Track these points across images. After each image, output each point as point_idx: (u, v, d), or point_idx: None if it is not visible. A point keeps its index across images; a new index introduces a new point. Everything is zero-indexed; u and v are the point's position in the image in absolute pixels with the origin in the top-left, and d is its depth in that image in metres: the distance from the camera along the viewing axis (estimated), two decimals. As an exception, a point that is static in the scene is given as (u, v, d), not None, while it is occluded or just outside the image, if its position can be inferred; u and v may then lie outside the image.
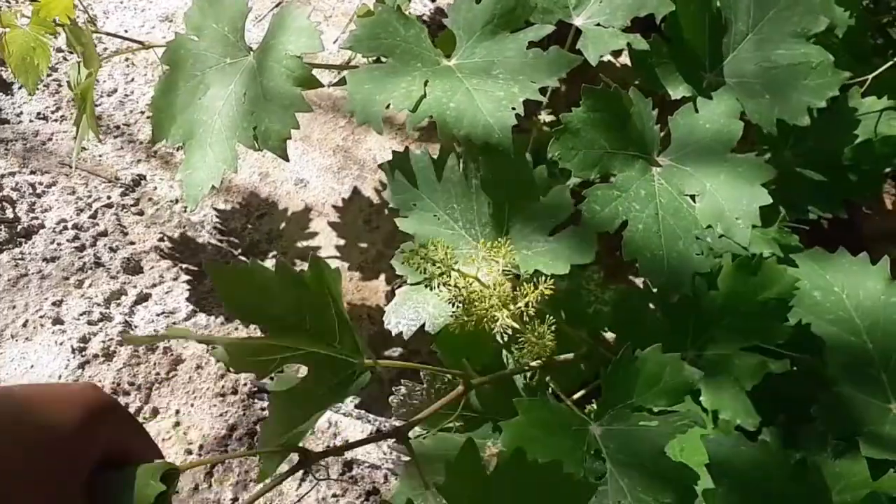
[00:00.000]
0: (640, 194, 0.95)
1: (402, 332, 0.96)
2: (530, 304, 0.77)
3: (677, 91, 1.08)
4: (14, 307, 1.19)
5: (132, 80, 1.61)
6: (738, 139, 0.99)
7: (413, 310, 0.96)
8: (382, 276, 1.37)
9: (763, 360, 0.84)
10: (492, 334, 0.76)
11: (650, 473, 0.74)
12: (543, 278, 0.78)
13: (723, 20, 1.12)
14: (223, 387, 1.15)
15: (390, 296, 1.35)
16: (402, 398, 0.98)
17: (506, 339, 0.78)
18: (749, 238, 0.92)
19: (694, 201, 0.97)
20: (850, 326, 0.89)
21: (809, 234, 1.18)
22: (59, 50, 1.60)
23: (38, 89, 1.52)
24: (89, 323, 1.18)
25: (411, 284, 0.97)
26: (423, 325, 0.95)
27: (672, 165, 0.99)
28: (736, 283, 0.88)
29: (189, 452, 1.09)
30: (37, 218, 1.31)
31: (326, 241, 1.40)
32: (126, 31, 1.70)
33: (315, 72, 1.03)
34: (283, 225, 1.40)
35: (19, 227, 1.28)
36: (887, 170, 1.27)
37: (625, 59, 1.66)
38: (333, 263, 1.37)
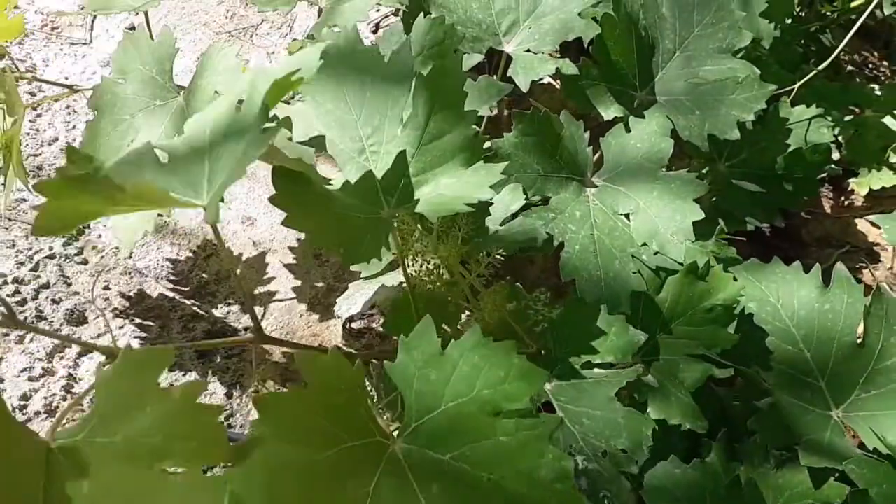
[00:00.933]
0: (575, 215, 0.96)
1: (352, 316, 1.04)
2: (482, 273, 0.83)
3: (609, 112, 1.10)
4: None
5: (73, 127, 1.59)
6: (668, 156, 1.00)
7: (364, 295, 1.04)
8: (332, 311, 1.35)
9: (708, 366, 0.85)
10: (437, 313, 0.83)
11: (601, 420, 0.76)
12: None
13: (650, 40, 1.14)
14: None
15: (343, 330, 1.34)
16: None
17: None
18: (684, 254, 0.93)
19: (629, 220, 0.98)
20: (787, 336, 0.90)
21: (752, 242, 1.20)
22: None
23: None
24: (30, 379, 1.15)
25: (365, 278, 1.00)
26: (373, 306, 1.04)
27: (606, 185, 1.00)
28: (683, 289, 0.90)
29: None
30: (-26, 274, 1.27)
31: (278, 281, 1.39)
32: (67, 78, 1.68)
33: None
34: (230, 266, 1.38)
35: (-44, 284, 1.25)
36: (823, 175, 1.30)
37: (566, 80, 1.68)
38: (286, 303, 1.37)
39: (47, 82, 1.60)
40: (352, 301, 1.02)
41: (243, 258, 1.43)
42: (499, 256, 0.85)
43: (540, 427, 0.58)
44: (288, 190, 0.65)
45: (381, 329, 1.34)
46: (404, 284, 0.98)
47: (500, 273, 0.93)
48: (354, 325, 1.35)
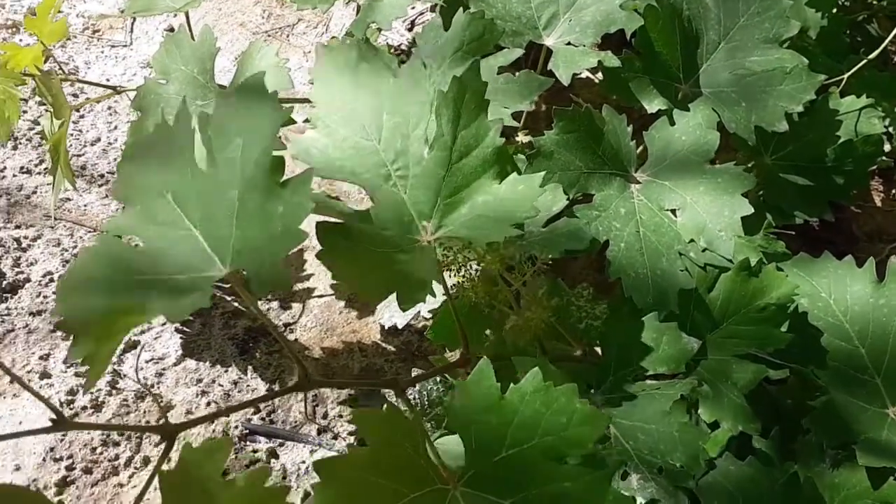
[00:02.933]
0: (619, 212, 0.94)
1: (395, 324, 1.04)
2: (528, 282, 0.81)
3: (652, 105, 1.07)
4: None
5: (115, 128, 1.62)
6: (715, 150, 0.98)
7: None
8: (371, 308, 1.36)
9: (761, 367, 0.83)
10: (480, 318, 0.83)
11: (655, 435, 0.74)
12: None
13: (693, 31, 1.12)
14: (213, 430, 1.13)
15: (381, 328, 1.34)
16: (414, 394, 0.98)
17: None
18: (733, 249, 0.91)
19: (675, 216, 0.96)
20: (841, 332, 0.87)
21: (800, 237, 1.17)
22: (42, 104, 1.61)
23: (20, 143, 1.53)
24: (77, 375, 1.17)
25: None
26: (418, 313, 1.02)
27: (651, 181, 0.98)
28: (735, 287, 0.87)
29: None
30: (22, 272, 1.30)
31: (316, 278, 1.39)
32: (108, 80, 1.71)
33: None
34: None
35: (4, 282, 1.28)
36: (873, 167, 1.26)
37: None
38: (325, 299, 1.37)
39: (91, 83, 1.63)
40: (393, 310, 1.01)
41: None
42: (545, 265, 0.83)
43: (602, 470, 0.57)
44: (333, 245, 0.63)
45: (419, 326, 1.34)
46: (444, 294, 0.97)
47: (540, 269, 0.91)
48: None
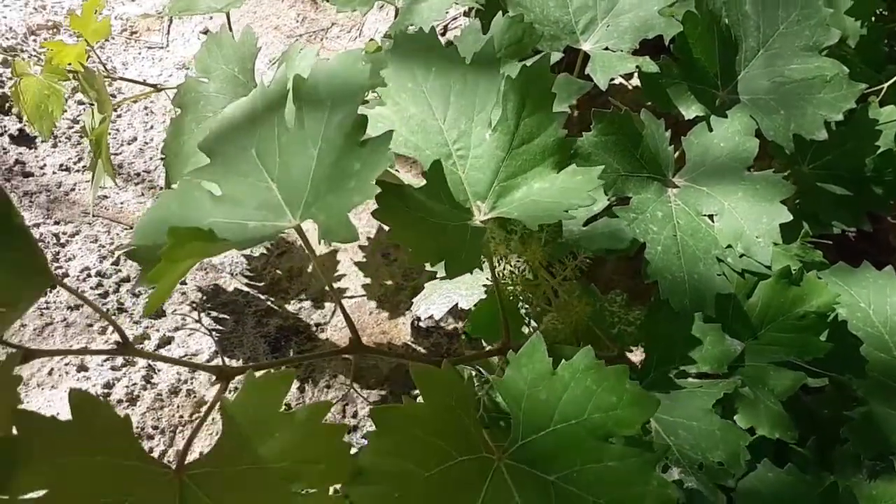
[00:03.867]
0: (657, 216, 0.94)
1: (432, 315, 1.05)
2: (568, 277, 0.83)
3: (690, 111, 1.07)
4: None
5: (151, 127, 1.64)
6: (754, 157, 0.97)
7: (444, 296, 1.04)
8: (402, 309, 1.36)
9: (800, 374, 0.82)
10: (518, 313, 0.84)
11: (697, 432, 0.74)
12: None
13: (732, 38, 1.11)
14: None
15: (411, 328, 1.34)
16: None
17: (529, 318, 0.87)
18: (771, 256, 0.90)
19: (712, 221, 0.96)
20: (880, 343, 0.86)
21: (835, 247, 1.16)
22: (80, 102, 1.64)
23: (59, 141, 1.56)
24: (113, 368, 1.19)
25: (441, 278, 1.00)
26: (455, 305, 1.02)
27: (688, 186, 0.98)
28: (775, 294, 0.87)
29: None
30: (61, 267, 1.33)
31: (348, 278, 1.40)
32: (144, 81, 1.74)
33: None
34: (303, 262, 1.40)
35: (44, 276, 1.30)
36: (912, 179, 1.24)
37: (637, 81, 1.66)
38: (356, 300, 1.38)
39: (131, 81, 1.66)
40: (430, 301, 1.03)
41: (318, 254, 1.45)
42: (587, 259, 0.84)
43: (648, 454, 0.57)
44: (391, 205, 0.65)
45: (448, 328, 1.34)
46: (484, 286, 0.98)
47: (582, 263, 0.92)
48: (423, 324, 1.35)
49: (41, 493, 0.49)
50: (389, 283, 1.41)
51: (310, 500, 0.52)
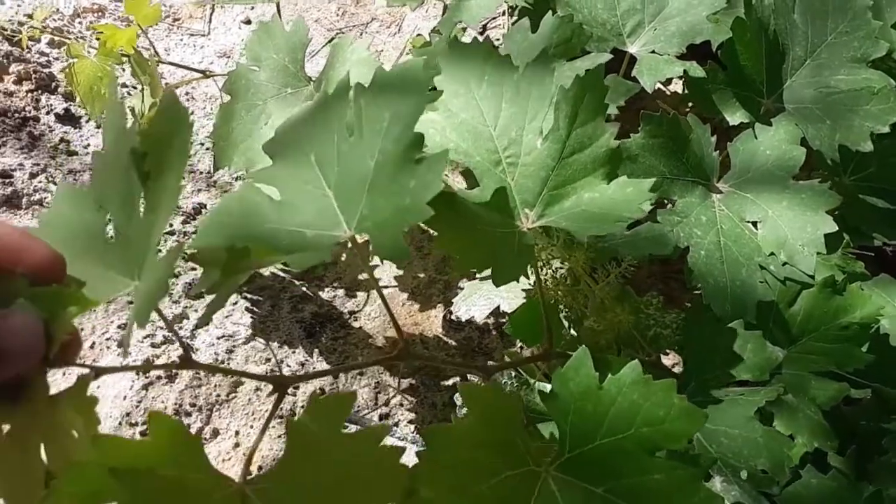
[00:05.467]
0: (701, 220, 0.95)
1: (473, 317, 1.05)
2: (611, 282, 0.83)
3: (734, 117, 1.08)
4: (82, 330, 1.23)
5: (192, 113, 1.67)
6: (800, 165, 0.98)
7: (484, 297, 1.04)
8: (434, 302, 1.38)
9: (843, 385, 0.82)
10: (558, 317, 0.80)
11: (739, 440, 0.74)
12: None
13: (780, 46, 1.11)
14: (281, 409, 1.16)
15: (443, 321, 1.36)
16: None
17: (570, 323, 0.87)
18: (815, 266, 0.91)
19: (755, 228, 0.96)
20: (924, 355, 0.86)
21: (874, 259, 1.15)
22: (123, 85, 1.67)
23: (103, 122, 1.59)
24: (153, 346, 1.21)
25: (481, 278, 1.00)
26: (496, 308, 1.03)
27: (732, 192, 0.99)
28: (818, 303, 0.87)
29: (248, 474, 1.10)
30: (103, 245, 1.35)
31: (381, 269, 1.42)
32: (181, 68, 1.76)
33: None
34: (337, 251, 1.42)
35: (87, 253, 1.33)
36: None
37: (675, 86, 1.66)
38: (389, 291, 1.40)
39: (172, 64, 1.69)
40: (470, 303, 1.03)
41: (348, 245, 1.46)
42: (631, 267, 0.84)
43: (694, 467, 0.58)
44: (441, 212, 0.65)
45: (480, 323, 1.36)
46: (524, 290, 0.99)
47: (627, 270, 0.93)
48: (454, 318, 1.37)
49: None
50: (422, 275, 1.43)
51: None
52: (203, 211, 1.46)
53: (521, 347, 1.20)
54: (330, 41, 1.84)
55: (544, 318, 0.78)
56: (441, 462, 0.55)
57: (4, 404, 0.50)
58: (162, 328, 1.25)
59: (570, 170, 0.71)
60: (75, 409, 0.49)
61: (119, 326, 1.24)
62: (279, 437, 1.14)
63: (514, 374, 0.97)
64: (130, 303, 1.28)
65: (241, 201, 0.67)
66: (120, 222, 0.56)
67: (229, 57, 1.81)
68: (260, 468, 1.11)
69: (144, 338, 1.22)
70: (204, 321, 0.58)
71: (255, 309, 1.30)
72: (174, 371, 1.19)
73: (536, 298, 0.90)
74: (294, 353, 1.25)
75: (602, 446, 0.59)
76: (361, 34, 1.87)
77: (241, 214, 0.65)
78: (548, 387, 0.91)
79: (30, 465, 0.49)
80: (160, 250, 1.34)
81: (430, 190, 0.56)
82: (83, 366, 0.52)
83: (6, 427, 0.52)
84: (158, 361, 1.19)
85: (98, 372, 0.54)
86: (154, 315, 1.16)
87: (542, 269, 0.88)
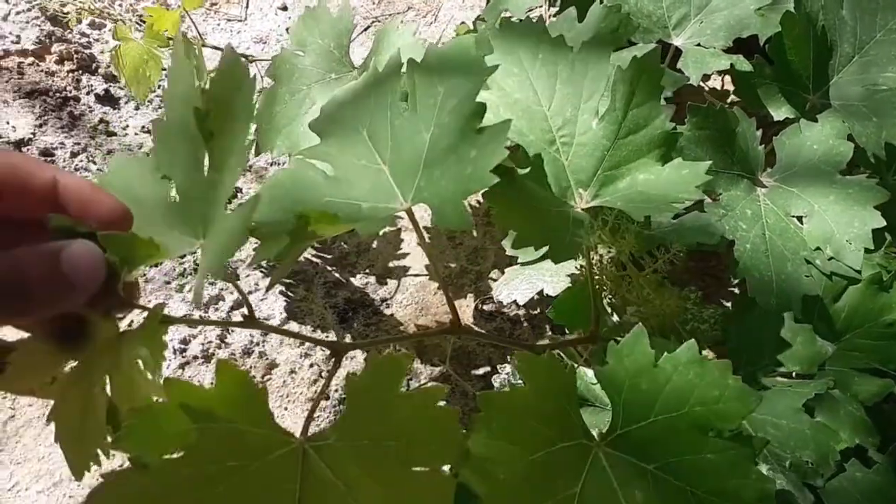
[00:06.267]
0: (746, 214, 0.94)
1: (515, 301, 1.05)
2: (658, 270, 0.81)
3: (780, 112, 1.07)
4: (120, 308, 1.24)
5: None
6: (847, 161, 0.97)
7: (527, 282, 1.04)
8: (465, 291, 1.38)
9: (888, 381, 0.81)
10: (602, 303, 0.81)
11: (786, 430, 0.74)
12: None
13: (828, 42, 1.10)
14: (315, 392, 1.17)
15: (474, 311, 1.36)
16: (504, 378, 0.99)
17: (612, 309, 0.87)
18: (861, 261, 0.90)
19: (801, 223, 0.95)
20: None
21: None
22: (163, 69, 1.69)
23: (142, 105, 1.60)
24: (189, 326, 1.23)
25: (522, 263, 1.01)
26: (540, 291, 1.03)
27: (777, 186, 0.98)
28: (864, 300, 0.87)
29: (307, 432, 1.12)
30: (142, 224, 1.37)
31: (412, 257, 1.42)
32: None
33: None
34: (369, 239, 1.43)
35: (126, 232, 1.35)
36: None
37: (713, 83, 1.65)
38: (420, 280, 1.40)
39: (213, 47, 1.70)
40: (512, 287, 1.04)
41: (380, 233, 1.47)
42: (679, 252, 0.84)
43: (747, 448, 0.58)
44: (501, 189, 0.65)
45: (511, 314, 1.36)
46: (569, 275, 0.99)
47: (675, 256, 0.92)
48: (486, 308, 1.37)
49: (179, 454, 0.51)
50: (454, 265, 1.43)
51: (422, 478, 0.54)
52: (238, 195, 1.48)
53: (554, 337, 1.21)
54: (366, 29, 1.85)
55: (593, 303, 0.78)
56: (495, 428, 0.56)
57: (70, 344, 0.51)
58: (199, 309, 1.26)
59: (626, 151, 0.71)
60: (145, 344, 0.50)
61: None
62: (314, 418, 1.14)
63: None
64: (167, 282, 1.29)
65: (295, 177, 0.68)
66: (183, 185, 0.57)
67: (265, 42, 1.82)
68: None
69: (182, 317, 1.24)
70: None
71: (289, 293, 1.31)
72: (211, 351, 1.20)
73: (582, 282, 0.90)
74: (327, 336, 1.25)
75: (655, 424, 0.59)
76: (402, 23, 1.88)
77: (296, 189, 0.66)
78: (589, 373, 0.91)
79: (92, 403, 0.50)
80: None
81: (494, 157, 0.56)
82: (146, 308, 0.53)
83: (69, 367, 0.53)
84: (195, 342, 1.20)
85: (164, 319, 0.54)
86: (190, 296, 1.16)
87: (588, 253, 0.89)
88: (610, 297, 0.91)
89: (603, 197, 0.71)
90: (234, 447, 0.52)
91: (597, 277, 0.87)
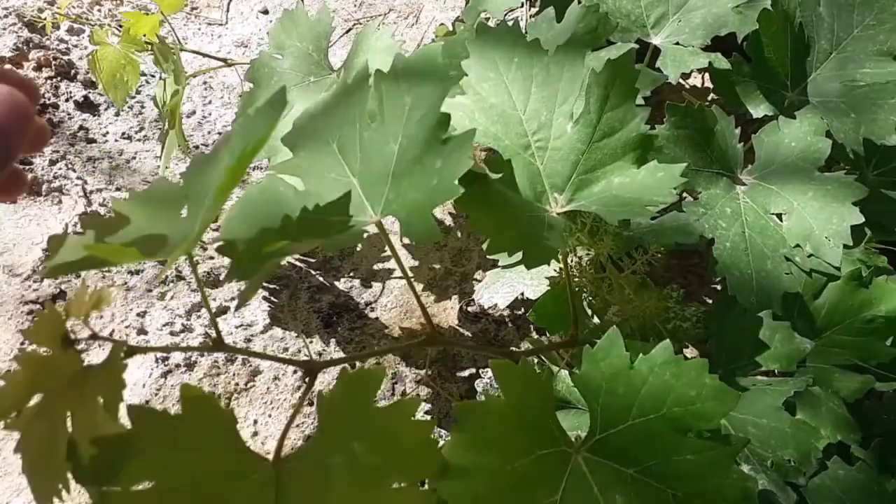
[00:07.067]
0: (725, 212, 0.94)
1: (496, 304, 1.06)
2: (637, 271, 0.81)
3: (758, 110, 1.07)
4: (101, 317, 1.23)
5: (209, 102, 1.67)
6: (825, 157, 0.97)
7: (507, 285, 1.05)
8: (450, 293, 1.38)
9: (868, 377, 0.81)
10: (582, 306, 0.81)
11: (767, 429, 0.74)
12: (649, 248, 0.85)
13: (805, 39, 1.11)
14: (299, 398, 1.17)
15: (459, 313, 1.36)
16: (487, 382, 0.99)
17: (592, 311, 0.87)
18: (840, 258, 0.90)
19: (780, 220, 0.96)
20: (948, 350, 0.86)
21: (891, 255, 1.15)
22: (142, 74, 1.67)
23: (122, 111, 1.59)
24: (171, 334, 1.22)
25: (503, 267, 1.01)
26: (520, 294, 1.03)
27: (757, 183, 0.98)
28: (843, 296, 0.87)
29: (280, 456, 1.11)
30: (122, 232, 1.36)
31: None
32: (204, 57, 1.76)
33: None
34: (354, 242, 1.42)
35: (106, 240, 1.33)
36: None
37: (693, 80, 1.65)
38: (404, 282, 1.40)
39: (192, 52, 1.69)
40: (493, 290, 1.03)
41: (364, 236, 1.46)
42: (657, 254, 0.84)
43: (727, 447, 0.58)
44: (474, 195, 0.64)
45: (496, 315, 1.35)
46: (548, 278, 0.99)
47: (654, 258, 0.92)
48: (470, 309, 1.37)
49: (148, 484, 0.50)
50: (438, 267, 1.43)
51: (401, 494, 0.53)
52: (221, 200, 1.47)
53: (538, 339, 1.20)
54: (347, 31, 1.84)
55: (571, 306, 0.77)
56: (473, 439, 0.55)
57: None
58: (180, 316, 1.25)
59: (601, 154, 0.71)
60: (105, 380, 0.49)
61: (138, 314, 1.24)
62: (297, 425, 1.14)
63: (536, 362, 0.97)
64: (149, 290, 1.28)
65: (265, 192, 0.67)
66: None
67: (247, 46, 1.81)
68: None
69: (163, 325, 1.23)
70: (241, 305, 0.58)
71: (272, 298, 1.30)
72: (193, 360, 1.19)
73: (561, 286, 0.90)
74: (311, 342, 1.25)
75: (633, 427, 0.59)
76: (379, 25, 1.87)
77: (266, 205, 0.65)
78: (570, 375, 0.91)
79: (55, 437, 0.49)
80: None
81: (458, 168, 0.56)
82: (115, 341, 0.52)
83: (35, 400, 0.52)
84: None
85: (128, 351, 0.54)
86: (174, 304, 1.15)
87: (567, 256, 0.88)
88: (590, 298, 0.91)
89: (578, 201, 0.71)
90: (203, 475, 0.51)
91: (576, 280, 0.87)
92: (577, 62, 0.74)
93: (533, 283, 0.99)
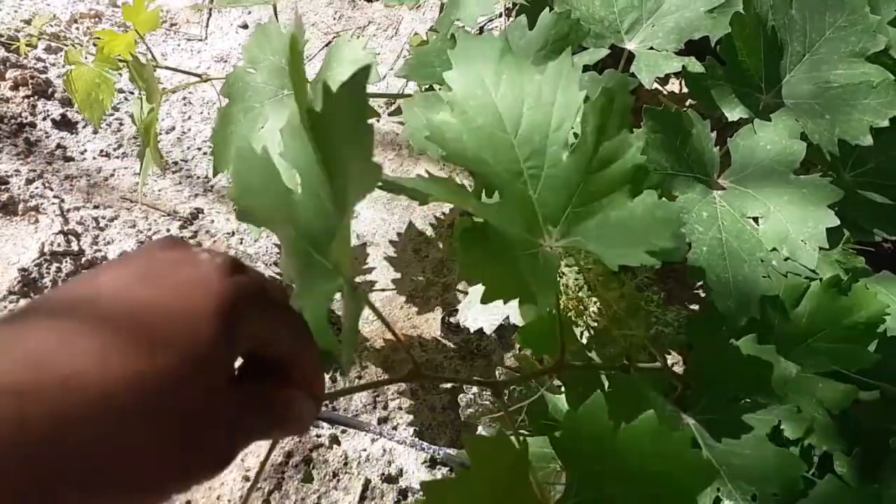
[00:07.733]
0: (702, 216, 0.94)
1: (481, 328, 1.01)
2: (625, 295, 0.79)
3: (734, 113, 1.07)
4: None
5: (189, 117, 1.66)
6: (800, 160, 0.97)
7: (493, 307, 0.98)
8: (432, 304, 1.37)
9: (852, 387, 0.81)
10: (570, 328, 0.79)
11: (751, 461, 0.72)
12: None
13: (778, 42, 1.11)
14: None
15: (441, 324, 1.35)
16: (470, 398, 0.98)
17: (586, 336, 0.80)
18: (816, 261, 0.90)
19: (757, 224, 0.95)
20: (928, 351, 0.85)
21: (875, 256, 1.15)
22: (121, 91, 1.67)
23: (100, 128, 1.58)
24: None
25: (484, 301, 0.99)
26: (506, 319, 1.00)
27: (733, 187, 0.98)
28: (823, 303, 0.86)
29: (246, 479, 1.09)
30: (100, 250, 1.34)
31: (378, 272, 1.41)
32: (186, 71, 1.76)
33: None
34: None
35: (83, 259, 1.32)
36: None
37: (671, 86, 1.65)
38: (387, 294, 1.39)
39: (169, 68, 1.68)
40: (477, 312, 1.00)
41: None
42: (647, 278, 0.83)
43: None
44: (470, 246, 0.61)
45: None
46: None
47: (643, 281, 0.92)
48: (453, 320, 1.36)
49: None
50: (420, 278, 1.42)
51: None
52: (200, 215, 1.46)
53: (521, 349, 1.19)
54: (327, 44, 1.84)
55: (559, 334, 0.74)
56: None
57: None
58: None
59: (596, 185, 0.67)
60: None
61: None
62: (277, 442, 1.12)
63: (520, 389, 0.96)
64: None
65: None
66: None
67: (226, 61, 1.80)
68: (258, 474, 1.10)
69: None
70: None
71: (253, 313, 1.29)
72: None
73: (549, 311, 0.88)
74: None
75: (612, 497, 0.58)
76: (358, 38, 1.87)
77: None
78: (560, 399, 0.89)
79: None
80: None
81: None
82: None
83: None
84: None
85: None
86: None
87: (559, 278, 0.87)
88: (577, 319, 0.90)
89: (573, 236, 0.67)
90: None
91: (563, 299, 0.86)
92: (571, 85, 0.69)
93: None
